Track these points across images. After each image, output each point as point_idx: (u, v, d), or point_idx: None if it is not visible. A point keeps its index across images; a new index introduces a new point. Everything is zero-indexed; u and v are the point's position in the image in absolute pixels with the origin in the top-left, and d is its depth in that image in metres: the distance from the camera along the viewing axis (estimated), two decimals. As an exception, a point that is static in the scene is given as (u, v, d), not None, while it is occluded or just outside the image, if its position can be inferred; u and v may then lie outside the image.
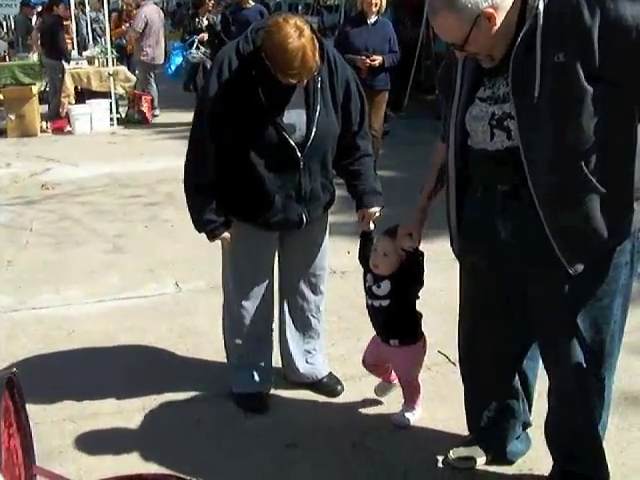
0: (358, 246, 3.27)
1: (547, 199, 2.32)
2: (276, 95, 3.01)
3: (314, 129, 3.08)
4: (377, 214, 3.30)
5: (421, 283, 3.05)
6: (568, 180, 2.28)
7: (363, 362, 3.39)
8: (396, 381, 3.40)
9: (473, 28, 2.26)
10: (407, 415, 3.30)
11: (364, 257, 3.18)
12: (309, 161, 3.14)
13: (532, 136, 2.30)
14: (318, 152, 3.16)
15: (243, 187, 3.14)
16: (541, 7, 2.21)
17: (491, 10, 2.25)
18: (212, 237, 3.24)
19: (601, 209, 2.30)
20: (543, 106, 2.24)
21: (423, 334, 3.20)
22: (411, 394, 3.30)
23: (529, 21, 2.23)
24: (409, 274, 3.01)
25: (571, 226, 2.33)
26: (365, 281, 3.16)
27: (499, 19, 2.27)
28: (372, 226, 3.29)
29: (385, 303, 3.07)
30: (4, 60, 13.09)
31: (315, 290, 3.50)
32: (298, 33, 2.85)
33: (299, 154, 3.09)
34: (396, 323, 3.14)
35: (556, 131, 2.25)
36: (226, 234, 3.23)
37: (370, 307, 3.15)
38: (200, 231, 3.25)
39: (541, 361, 2.77)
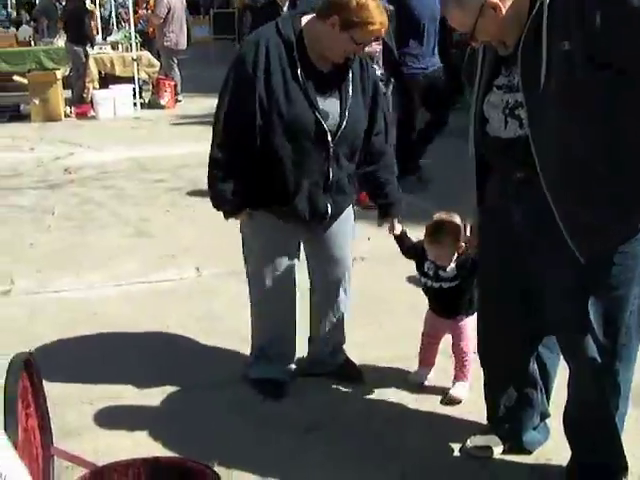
0: (397, 245, 3.41)
1: (556, 187, 2.32)
2: (314, 80, 3.08)
3: (346, 116, 3.12)
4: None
5: None
6: (576, 168, 2.27)
7: (424, 334, 3.49)
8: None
9: (479, 18, 2.30)
10: (464, 386, 3.40)
11: (408, 251, 3.41)
12: (338, 149, 3.16)
13: (541, 124, 2.29)
14: (347, 141, 3.19)
15: (270, 171, 3.12)
16: None
17: (495, 0, 2.26)
18: (229, 214, 3.24)
19: (611, 198, 2.29)
20: (550, 94, 2.23)
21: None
22: (467, 365, 3.40)
23: (536, 9, 2.24)
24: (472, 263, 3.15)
25: (579, 213, 2.32)
26: (421, 266, 3.34)
27: (505, 8, 2.30)
28: (400, 227, 3.39)
29: (454, 284, 3.27)
30: (29, 45, 13.15)
31: (346, 290, 3.48)
32: None
33: (330, 139, 3.10)
34: (463, 301, 3.33)
35: (563, 119, 2.24)
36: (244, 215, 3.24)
37: (436, 290, 3.33)
38: (218, 208, 3.24)
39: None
